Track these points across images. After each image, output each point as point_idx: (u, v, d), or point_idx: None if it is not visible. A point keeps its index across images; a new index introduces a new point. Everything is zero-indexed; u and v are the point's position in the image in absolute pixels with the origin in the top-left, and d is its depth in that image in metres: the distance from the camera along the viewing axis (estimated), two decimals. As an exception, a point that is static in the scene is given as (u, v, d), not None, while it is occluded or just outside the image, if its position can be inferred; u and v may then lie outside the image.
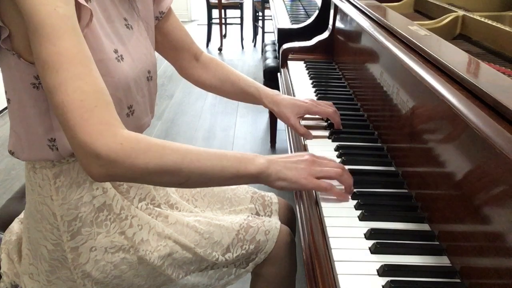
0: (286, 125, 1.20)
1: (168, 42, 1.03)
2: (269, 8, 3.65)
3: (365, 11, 1.23)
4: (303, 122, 1.11)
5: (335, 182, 0.81)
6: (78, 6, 0.68)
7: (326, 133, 1.09)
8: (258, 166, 0.74)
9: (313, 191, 0.87)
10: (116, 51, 0.78)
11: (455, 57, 0.81)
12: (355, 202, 0.81)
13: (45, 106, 0.75)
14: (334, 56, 1.65)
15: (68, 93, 0.62)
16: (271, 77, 2.43)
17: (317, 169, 0.79)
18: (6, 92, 0.77)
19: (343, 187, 0.83)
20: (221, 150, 0.74)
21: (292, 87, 1.43)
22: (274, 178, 0.75)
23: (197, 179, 0.71)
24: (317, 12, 1.94)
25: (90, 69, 0.65)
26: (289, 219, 1.09)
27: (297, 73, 1.54)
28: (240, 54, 5.01)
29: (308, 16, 2.45)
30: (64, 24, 0.63)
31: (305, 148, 1.05)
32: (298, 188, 0.79)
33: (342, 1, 1.44)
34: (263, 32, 4.79)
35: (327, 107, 1.08)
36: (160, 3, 0.96)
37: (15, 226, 0.95)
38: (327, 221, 0.77)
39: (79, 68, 0.64)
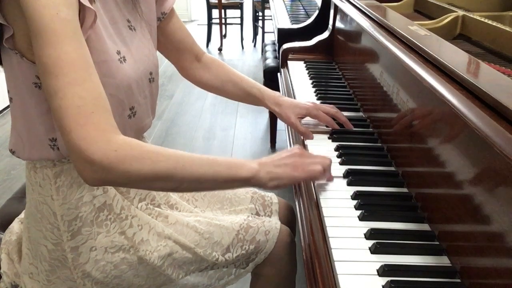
0: (286, 125, 1.20)
1: (170, 42, 1.03)
2: (269, 8, 3.65)
3: (365, 11, 1.23)
4: (304, 122, 1.11)
5: None
6: (82, 8, 0.68)
7: (326, 133, 1.09)
8: (249, 170, 0.75)
9: (314, 190, 0.87)
10: (119, 53, 0.78)
11: (455, 57, 0.81)
12: (355, 202, 0.81)
13: (47, 106, 0.75)
14: (334, 56, 1.64)
15: (66, 99, 0.63)
16: (271, 77, 2.42)
17: (306, 161, 0.81)
18: (8, 91, 0.78)
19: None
20: (214, 156, 0.75)
21: (292, 87, 1.43)
22: (266, 179, 0.77)
23: (190, 184, 0.72)
24: (317, 12, 1.94)
25: (90, 74, 0.66)
26: (289, 219, 1.09)
27: (297, 73, 1.54)
28: (240, 54, 5.01)
29: (308, 16, 2.45)
30: (65, 29, 0.64)
31: (305, 148, 1.05)
32: (291, 182, 0.80)
33: (342, 1, 1.44)
34: (263, 32, 4.78)
35: (329, 109, 1.08)
36: (162, 4, 0.96)
37: (15, 226, 0.95)
38: (327, 221, 0.77)
39: (78, 73, 0.64)
